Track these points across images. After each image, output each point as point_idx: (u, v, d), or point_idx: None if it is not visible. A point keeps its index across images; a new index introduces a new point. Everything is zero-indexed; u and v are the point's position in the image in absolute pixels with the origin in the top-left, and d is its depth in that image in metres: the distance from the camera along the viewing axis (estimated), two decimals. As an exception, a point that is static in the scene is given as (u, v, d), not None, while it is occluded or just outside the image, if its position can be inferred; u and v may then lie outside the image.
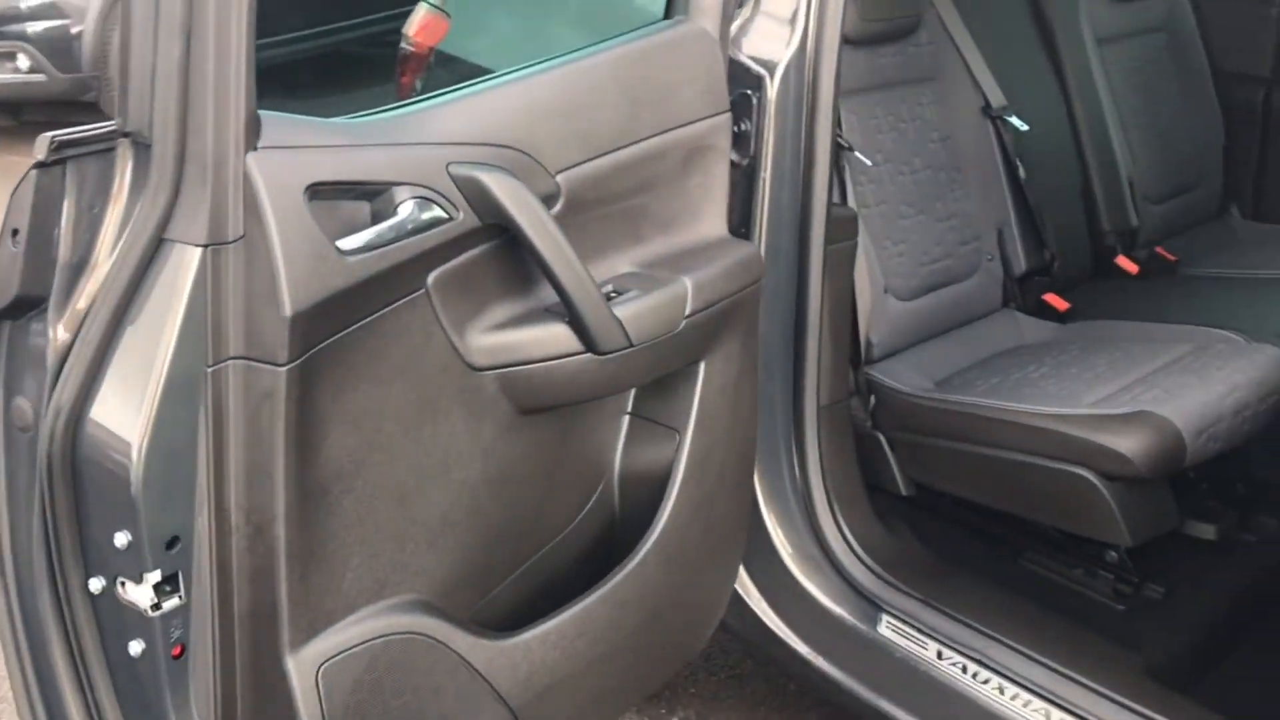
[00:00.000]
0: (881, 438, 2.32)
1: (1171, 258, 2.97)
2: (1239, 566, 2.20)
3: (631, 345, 1.58)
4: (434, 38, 2.66)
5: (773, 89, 1.99)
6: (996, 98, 2.71)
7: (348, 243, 1.33)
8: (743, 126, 2.01)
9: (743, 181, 2.04)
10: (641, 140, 1.68)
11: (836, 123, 2.13)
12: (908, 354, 2.43)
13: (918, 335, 2.47)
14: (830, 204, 2.10)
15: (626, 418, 1.80)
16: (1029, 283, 2.70)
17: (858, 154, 2.34)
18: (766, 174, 2.03)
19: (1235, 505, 2.27)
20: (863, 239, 2.30)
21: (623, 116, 1.65)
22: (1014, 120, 2.69)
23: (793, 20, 2.04)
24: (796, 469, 2.19)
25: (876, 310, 2.37)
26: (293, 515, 1.32)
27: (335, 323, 1.33)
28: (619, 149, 1.66)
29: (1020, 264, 2.67)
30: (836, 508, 2.19)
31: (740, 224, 2.06)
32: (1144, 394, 2.08)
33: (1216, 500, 2.23)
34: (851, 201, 2.35)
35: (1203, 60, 3.28)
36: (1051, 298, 2.68)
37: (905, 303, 2.44)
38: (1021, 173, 2.69)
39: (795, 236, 2.09)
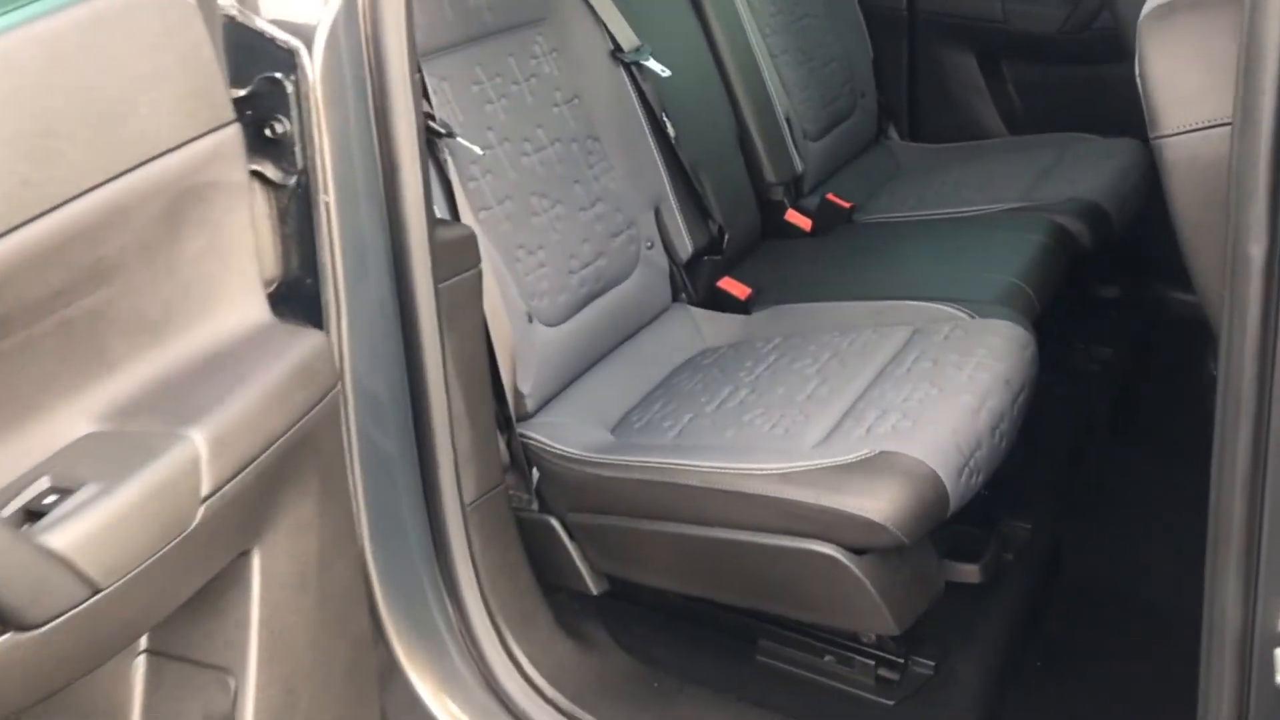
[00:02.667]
0: (555, 523, 1.71)
1: (845, 204, 2.54)
2: (1006, 607, 1.79)
3: (98, 590, 0.86)
4: None
5: (314, 66, 1.34)
6: (627, 38, 2.11)
7: None
8: (278, 129, 1.33)
9: (295, 209, 1.38)
10: (76, 198, 0.95)
11: (423, 99, 1.48)
12: (571, 395, 1.83)
13: (580, 366, 1.87)
14: (433, 222, 1.45)
15: (143, 659, 1.07)
16: (698, 266, 2.17)
17: (461, 140, 1.67)
18: (329, 195, 1.38)
19: (978, 505, 1.85)
20: (488, 255, 1.66)
21: (29, 162, 0.91)
22: (652, 64, 2.12)
23: (330, -41, 1.35)
24: (447, 601, 1.57)
25: (522, 348, 1.74)
26: None
27: None
28: (33, 220, 0.92)
29: (686, 246, 2.12)
30: (509, 638, 1.60)
31: (304, 273, 1.38)
32: (879, 423, 1.59)
33: (970, 524, 1.79)
34: (464, 208, 1.69)
35: (839, -34, 2.87)
36: (728, 283, 2.16)
37: (557, 328, 1.82)
38: (670, 130, 2.13)
39: (389, 279, 1.46)
